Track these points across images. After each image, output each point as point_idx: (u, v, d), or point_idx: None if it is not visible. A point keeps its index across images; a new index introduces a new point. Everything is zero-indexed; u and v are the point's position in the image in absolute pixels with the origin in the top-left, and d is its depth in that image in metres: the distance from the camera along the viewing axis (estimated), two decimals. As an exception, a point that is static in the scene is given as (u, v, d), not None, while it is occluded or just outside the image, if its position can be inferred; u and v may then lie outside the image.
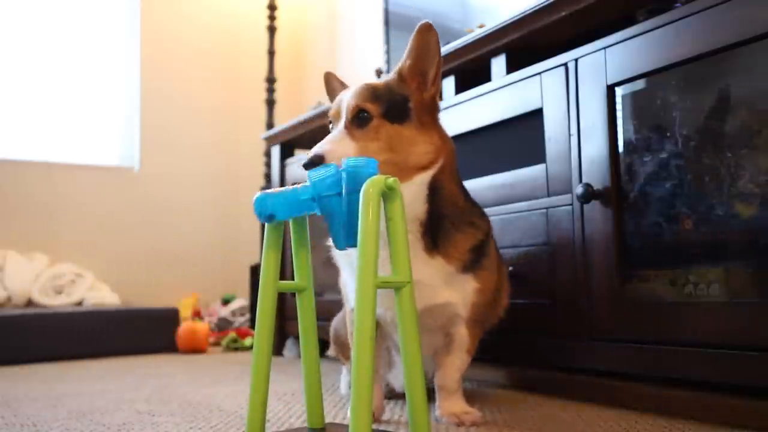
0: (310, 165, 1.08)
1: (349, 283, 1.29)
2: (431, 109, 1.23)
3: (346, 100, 1.19)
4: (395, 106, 1.18)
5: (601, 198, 1.33)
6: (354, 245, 0.94)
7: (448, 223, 1.20)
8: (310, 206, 1.00)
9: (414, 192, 1.16)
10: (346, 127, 1.17)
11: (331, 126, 1.23)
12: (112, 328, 2.62)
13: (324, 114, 2.05)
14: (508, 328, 1.55)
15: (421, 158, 1.17)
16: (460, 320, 1.23)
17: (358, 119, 1.16)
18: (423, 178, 1.18)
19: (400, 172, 1.11)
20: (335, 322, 1.52)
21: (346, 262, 1.25)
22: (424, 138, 1.18)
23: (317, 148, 1.12)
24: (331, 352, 1.59)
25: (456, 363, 1.24)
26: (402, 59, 1.22)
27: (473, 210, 1.27)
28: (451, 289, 1.20)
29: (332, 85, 1.37)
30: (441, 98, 1.23)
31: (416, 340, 0.97)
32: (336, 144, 1.13)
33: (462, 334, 1.24)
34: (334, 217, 0.98)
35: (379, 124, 1.16)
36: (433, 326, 1.23)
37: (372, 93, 1.18)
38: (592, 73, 1.37)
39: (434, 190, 1.19)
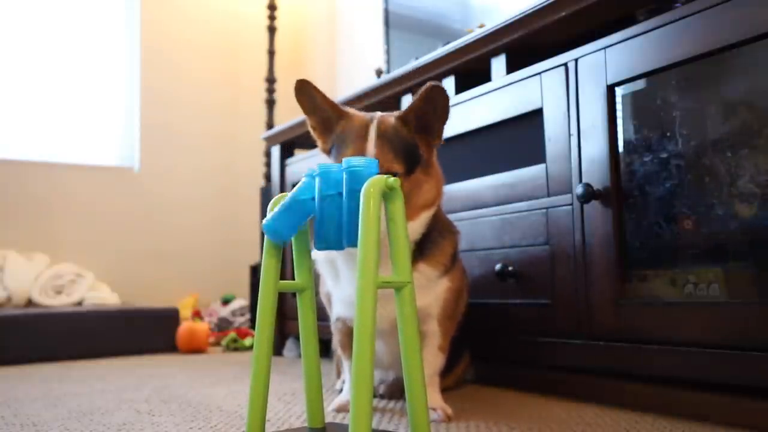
0: None
1: (334, 292, 1.33)
2: (434, 152, 1.30)
3: (370, 153, 1.18)
4: (412, 158, 1.22)
5: (601, 198, 1.33)
6: (354, 245, 0.94)
7: (435, 234, 1.30)
8: (311, 207, 1.00)
9: (416, 228, 1.26)
10: None
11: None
12: (112, 328, 2.62)
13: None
14: (509, 327, 1.55)
15: (427, 198, 1.27)
16: (431, 318, 1.31)
17: None
18: (428, 215, 1.28)
19: (408, 212, 1.12)
20: None
21: (329, 270, 1.30)
22: (428, 179, 1.27)
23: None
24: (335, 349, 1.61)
25: (428, 358, 1.29)
26: (408, 107, 1.23)
27: (448, 220, 1.41)
28: (425, 293, 1.28)
29: (311, 93, 1.26)
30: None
31: (416, 341, 0.97)
32: None
33: (433, 330, 1.32)
34: (330, 217, 0.98)
35: (401, 178, 1.18)
36: None
37: (395, 152, 1.19)
38: (592, 73, 1.36)
39: (433, 218, 1.29)
